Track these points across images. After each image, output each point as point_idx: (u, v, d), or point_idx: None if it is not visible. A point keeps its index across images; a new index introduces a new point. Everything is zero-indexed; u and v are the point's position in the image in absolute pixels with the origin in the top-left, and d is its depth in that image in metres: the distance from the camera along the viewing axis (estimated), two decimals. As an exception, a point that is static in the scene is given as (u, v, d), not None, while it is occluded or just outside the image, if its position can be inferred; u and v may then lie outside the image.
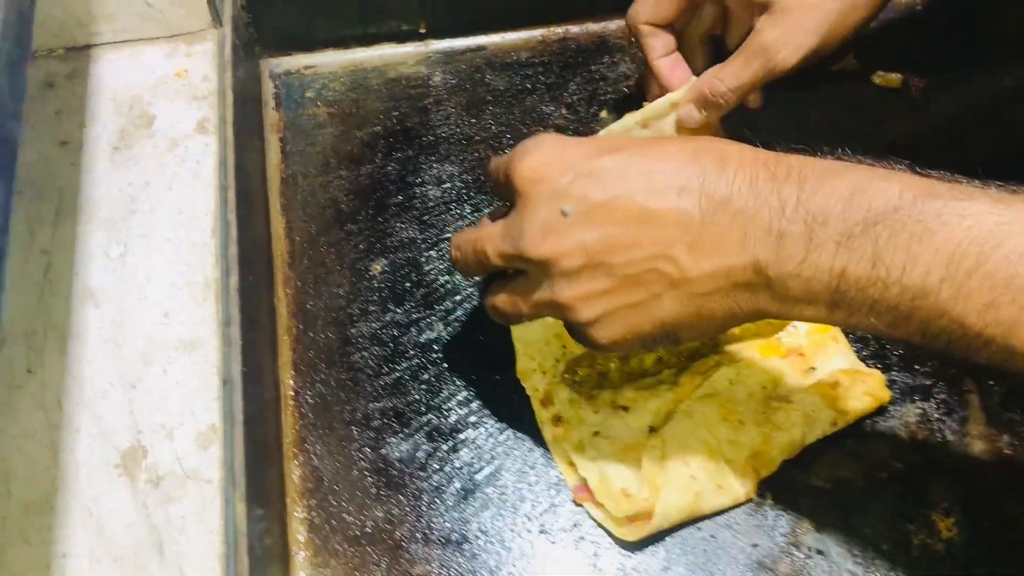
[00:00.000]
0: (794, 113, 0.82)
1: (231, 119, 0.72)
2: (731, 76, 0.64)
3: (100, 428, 0.69)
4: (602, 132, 0.71)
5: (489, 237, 0.55)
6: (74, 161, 0.82)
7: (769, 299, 0.49)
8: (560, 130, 0.81)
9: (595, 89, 0.84)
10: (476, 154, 0.80)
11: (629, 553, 0.63)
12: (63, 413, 0.70)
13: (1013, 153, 0.79)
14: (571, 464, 0.66)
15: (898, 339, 0.47)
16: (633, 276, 0.51)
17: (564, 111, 0.83)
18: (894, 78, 0.84)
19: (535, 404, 0.68)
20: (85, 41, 0.88)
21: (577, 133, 0.81)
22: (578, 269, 0.51)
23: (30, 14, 0.59)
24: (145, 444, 0.69)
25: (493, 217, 0.57)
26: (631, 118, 0.68)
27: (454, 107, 0.83)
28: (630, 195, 0.50)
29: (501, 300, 0.57)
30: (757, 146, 0.51)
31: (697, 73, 0.69)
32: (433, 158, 0.80)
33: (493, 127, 0.82)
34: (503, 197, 0.55)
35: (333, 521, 0.64)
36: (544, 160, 0.52)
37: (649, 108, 0.67)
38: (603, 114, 0.82)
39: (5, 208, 0.39)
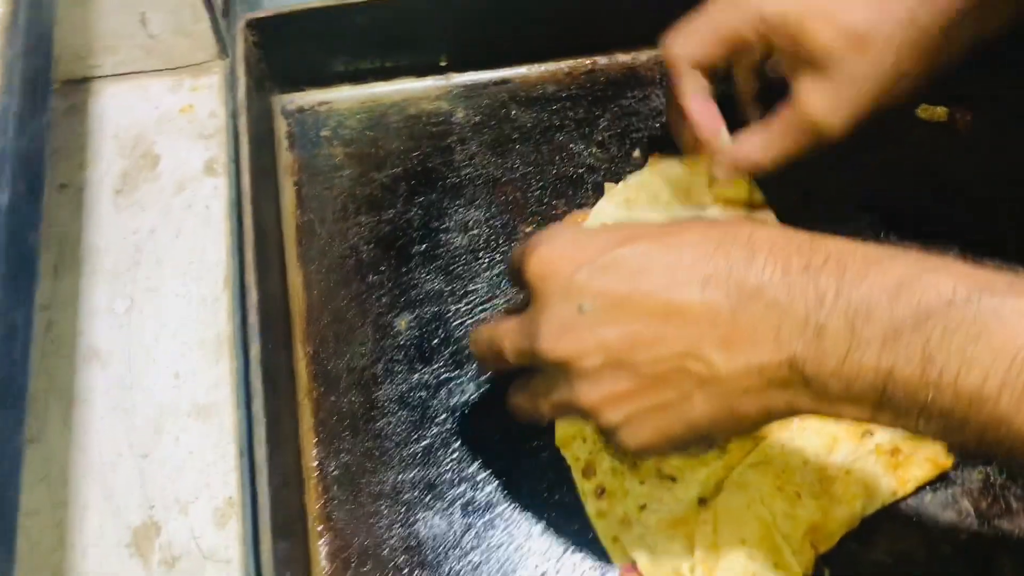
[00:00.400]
0: (833, 149, 0.78)
1: (247, 165, 0.67)
2: (766, 147, 0.61)
3: (110, 504, 0.65)
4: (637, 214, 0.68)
5: (506, 333, 0.52)
6: (74, 207, 0.77)
7: (808, 398, 0.46)
8: (593, 170, 0.77)
9: (627, 125, 0.79)
10: (503, 197, 0.76)
11: (681, 638, 0.59)
12: (69, 487, 0.65)
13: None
14: (617, 541, 0.61)
15: (952, 445, 0.43)
16: (659, 375, 0.47)
17: (595, 149, 0.78)
18: (939, 111, 0.80)
19: (576, 475, 0.64)
20: (83, 74, 0.84)
21: (609, 174, 0.77)
22: (599, 369, 0.48)
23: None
24: (158, 520, 0.64)
25: (510, 310, 0.54)
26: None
27: (478, 146, 0.78)
28: (652, 288, 0.47)
29: (521, 399, 0.55)
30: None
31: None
32: (458, 202, 0.75)
33: (520, 167, 0.77)
34: (521, 289, 0.52)
35: (363, 605, 0.60)
36: (557, 254, 0.49)
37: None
38: (636, 153, 0.78)
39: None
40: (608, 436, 0.50)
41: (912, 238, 0.71)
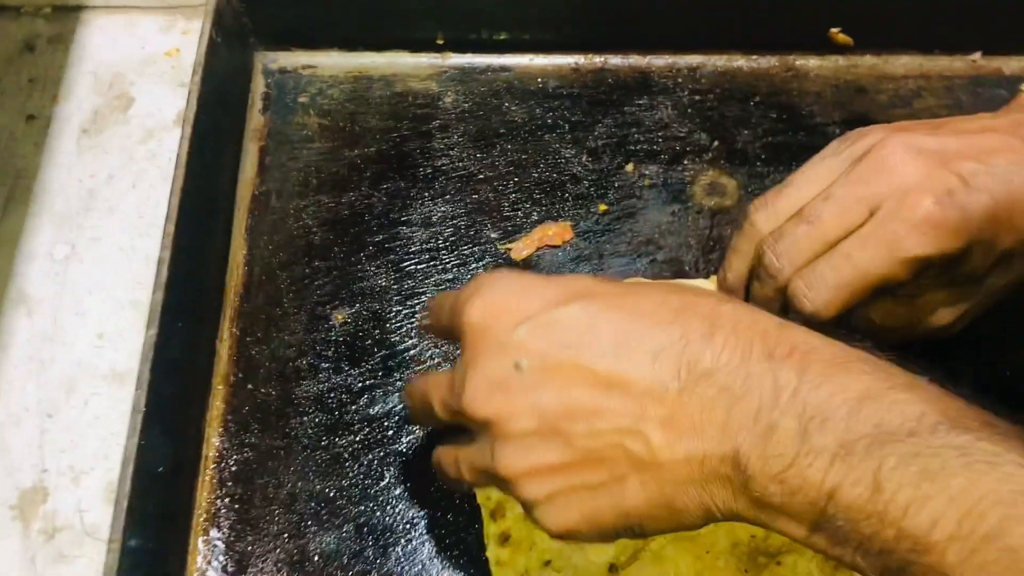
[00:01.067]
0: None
1: (190, 129, 0.62)
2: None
3: (4, 460, 0.62)
4: None
5: (436, 385, 0.47)
6: (38, 140, 0.74)
7: (746, 502, 0.40)
8: (577, 180, 0.71)
9: (625, 136, 0.72)
10: (475, 195, 0.70)
11: None
12: (-32, 435, 0.63)
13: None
14: (515, 591, 0.56)
15: None
16: (594, 451, 0.41)
17: (585, 157, 0.72)
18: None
19: (484, 514, 0.58)
20: (75, 1, 0.80)
21: (593, 184, 0.70)
22: (528, 435, 0.42)
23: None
24: (48, 486, 0.62)
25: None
26: None
27: (461, 136, 0.72)
28: (597, 354, 0.41)
29: (442, 457, 0.49)
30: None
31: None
32: (427, 194, 0.70)
33: (500, 166, 0.71)
34: (449, 340, 0.46)
35: (233, 615, 0.57)
36: (498, 303, 0.44)
37: None
38: (629, 167, 0.71)
39: None
40: (527, 510, 0.45)
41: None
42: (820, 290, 0.51)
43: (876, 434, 0.36)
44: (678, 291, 0.44)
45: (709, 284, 0.64)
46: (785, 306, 0.54)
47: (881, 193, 0.50)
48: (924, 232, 0.49)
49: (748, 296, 0.57)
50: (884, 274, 0.50)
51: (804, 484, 0.37)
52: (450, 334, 0.47)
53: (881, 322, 0.55)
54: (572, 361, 0.41)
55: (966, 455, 0.35)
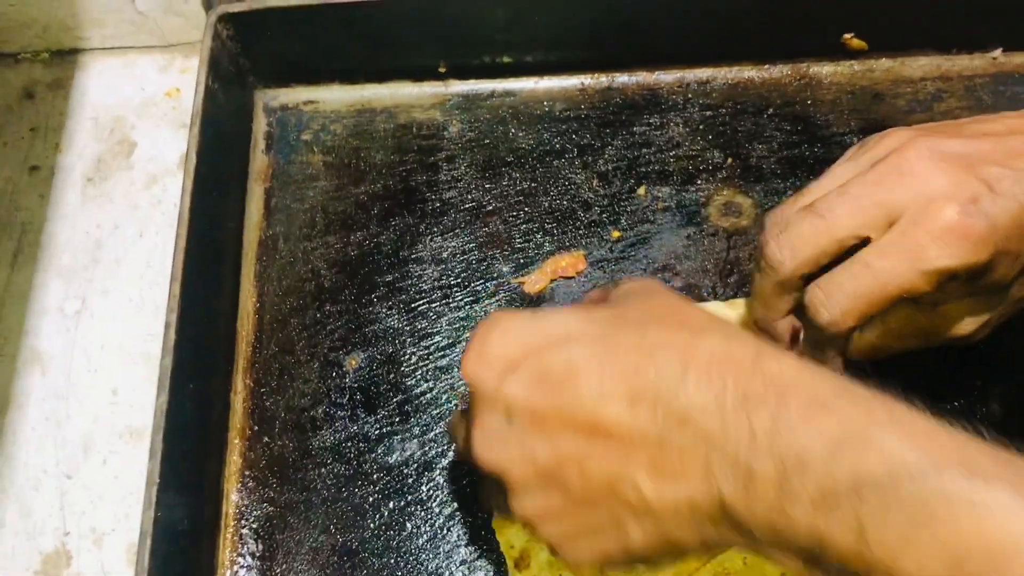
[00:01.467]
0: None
1: (192, 170, 0.61)
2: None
3: (26, 524, 0.62)
4: None
5: (458, 430, 0.49)
6: (43, 191, 0.74)
7: (741, 540, 0.40)
8: (588, 207, 0.69)
9: (636, 157, 0.71)
10: (485, 228, 0.69)
11: None
12: (-13, 500, 0.63)
13: None
14: (543, 643, 0.56)
15: None
16: (589, 498, 0.42)
17: (596, 182, 0.70)
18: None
19: (509, 563, 0.58)
20: (72, 45, 0.79)
21: (605, 210, 0.69)
22: (529, 482, 0.43)
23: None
24: (71, 549, 0.61)
25: None
26: None
27: (468, 166, 0.71)
28: (578, 402, 0.41)
29: (484, 497, 0.52)
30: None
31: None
32: (436, 229, 0.69)
33: (510, 195, 0.70)
34: None
35: (260, 676, 0.56)
36: (487, 354, 0.44)
37: None
38: (640, 191, 0.69)
39: None
40: (550, 549, 0.46)
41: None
42: (838, 299, 0.49)
43: (856, 478, 0.35)
44: (656, 325, 0.43)
45: (727, 309, 0.63)
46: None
47: (902, 199, 0.48)
48: (949, 243, 0.47)
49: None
50: (906, 286, 0.48)
51: (791, 527, 0.37)
52: None
53: (900, 330, 0.53)
54: (556, 411, 0.42)
55: (948, 499, 0.34)
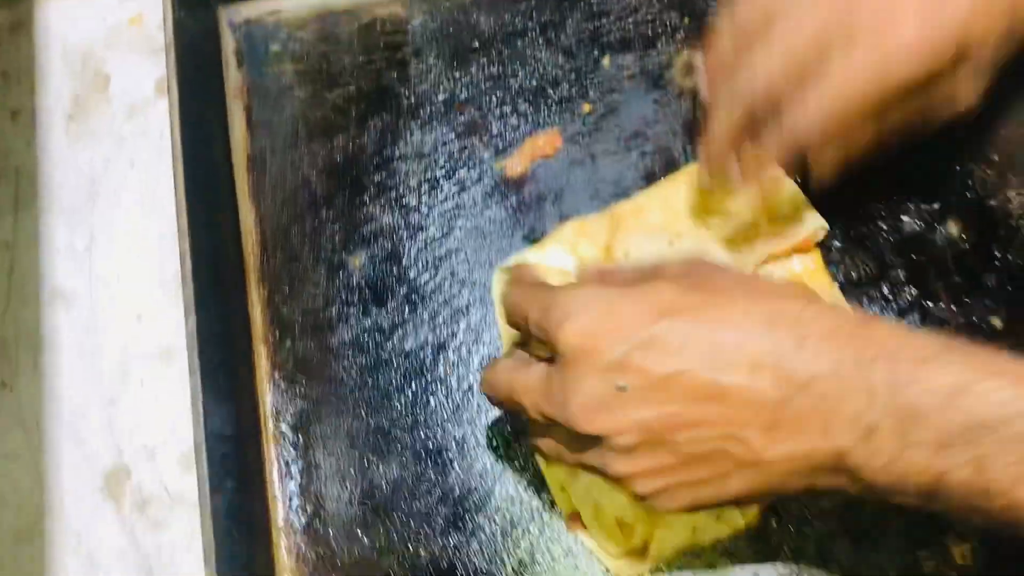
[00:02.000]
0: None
1: (176, 97, 0.64)
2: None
3: (82, 450, 0.68)
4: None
5: (527, 390, 0.49)
6: (28, 136, 0.76)
7: (854, 487, 0.45)
8: (556, 83, 0.72)
9: (597, 28, 0.73)
10: (462, 117, 0.72)
11: (624, 585, 0.61)
12: (43, 433, 0.68)
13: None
14: (564, 490, 0.62)
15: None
16: (698, 455, 0.46)
17: (561, 58, 0.72)
18: None
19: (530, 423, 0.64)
20: (25, -17, 0.79)
21: (573, 85, 0.71)
22: (635, 447, 0.46)
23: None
24: (128, 465, 0.67)
25: (526, 358, 0.51)
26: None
27: (436, 58, 0.73)
28: (695, 369, 0.44)
29: (546, 445, 0.52)
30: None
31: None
32: (414, 124, 0.72)
33: (481, 82, 0.72)
34: (530, 339, 0.50)
35: (321, 550, 0.63)
36: (594, 326, 0.46)
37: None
38: (605, 61, 0.72)
39: None
40: (636, 498, 0.49)
41: (900, 158, 0.67)
42: (813, 116, 0.53)
43: (969, 423, 0.40)
44: (758, 297, 0.46)
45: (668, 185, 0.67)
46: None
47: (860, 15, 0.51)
48: (911, 58, 0.51)
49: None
50: (878, 100, 0.52)
51: (910, 471, 0.42)
52: (537, 341, 0.49)
53: (895, 122, 0.56)
54: (671, 379, 0.44)
55: None
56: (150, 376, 0.69)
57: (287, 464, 0.65)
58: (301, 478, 0.64)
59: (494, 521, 0.63)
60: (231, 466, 0.61)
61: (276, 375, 0.67)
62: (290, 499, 0.64)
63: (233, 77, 0.73)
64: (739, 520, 0.60)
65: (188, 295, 0.59)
